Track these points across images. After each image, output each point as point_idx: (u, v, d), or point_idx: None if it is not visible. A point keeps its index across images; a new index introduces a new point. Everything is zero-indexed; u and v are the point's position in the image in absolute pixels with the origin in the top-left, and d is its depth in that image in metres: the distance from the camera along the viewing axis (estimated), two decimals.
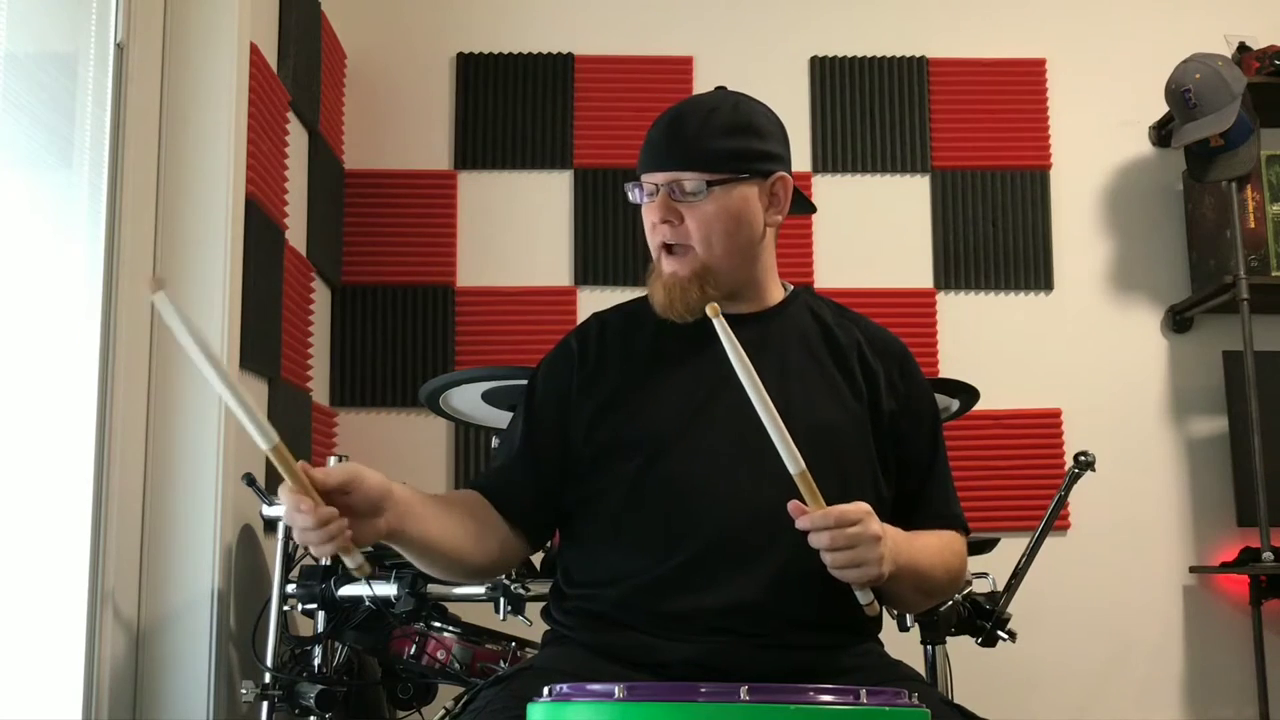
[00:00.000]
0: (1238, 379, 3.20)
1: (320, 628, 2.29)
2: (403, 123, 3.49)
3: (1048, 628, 3.01)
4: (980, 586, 2.28)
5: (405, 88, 3.50)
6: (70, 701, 2.06)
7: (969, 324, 3.46)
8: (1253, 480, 3.08)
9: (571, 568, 1.66)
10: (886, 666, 1.60)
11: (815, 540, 1.39)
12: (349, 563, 1.38)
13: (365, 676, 2.36)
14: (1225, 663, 3.31)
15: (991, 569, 2.31)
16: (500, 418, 2.33)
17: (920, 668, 2.12)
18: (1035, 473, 3.35)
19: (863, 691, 1.07)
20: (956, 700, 1.57)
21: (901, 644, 1.86)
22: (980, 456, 3.33)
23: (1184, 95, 3.20)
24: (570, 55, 3.52)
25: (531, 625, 2.01)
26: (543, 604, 1.72)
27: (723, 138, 1.62)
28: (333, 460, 2.21)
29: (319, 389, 3.20)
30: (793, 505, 1.39)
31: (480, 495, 1.66)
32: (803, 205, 1.81)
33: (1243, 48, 3.42)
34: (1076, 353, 3.46)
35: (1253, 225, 3.30)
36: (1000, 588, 2.29)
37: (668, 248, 1.64)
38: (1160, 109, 3.40)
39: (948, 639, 2.27)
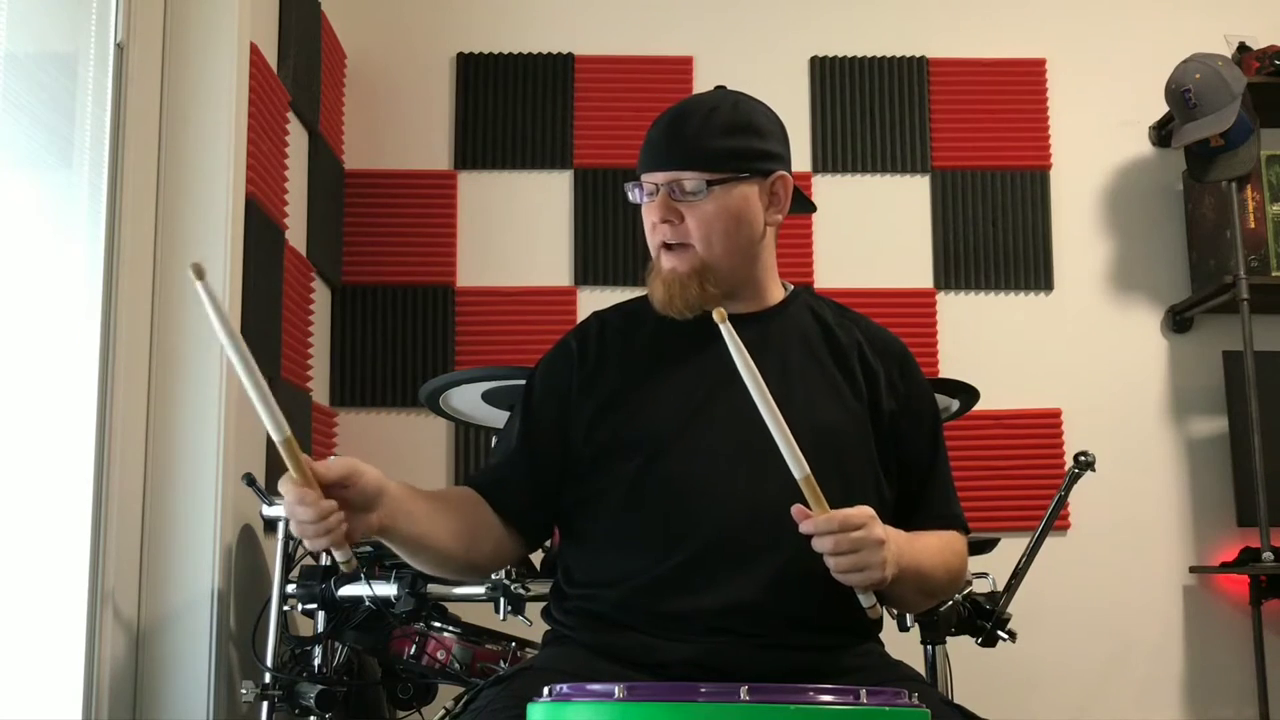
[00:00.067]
0: (1238, 379, 3.20)
1: (320, 628, 2.29)
2: (403, 123, 3.49)
3: (1048, 628, 3.01)
4: (980, 586, 2.28)
5: (405, 88, 3.50)
6: (70, 701, 2.07)
7: (969, 324, 3.46)
8: (1253, 480, 3.08)
9: (572, 567, 1.65)
10: (886, 666, 1.60)
11: (819, 544, 1.39)
12: (339, 557, 1.39)
13: (365, 676, 2.36)
14: (1225, 663, 3.31)
15: (991, 569, 2.31)
16: (500, 418, 2.33)
17: (920, 668, 2.12)
18: (1035, 473, 3.35)
19: (863, 691, 1.07)
20: (956, 700, 1.57)
21: (901, 644, 1.86)
22: (980, 456, 3.33)
23: (1184, 95, 3.20)
24: (570, 55, 3.52)
25: (531, 625, 2.01)
26: (543, 604, 1.72)
27: (723, 137, 1.62)
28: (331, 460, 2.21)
29: (319, 389, 3.20)
30: (796, 509, 1.39)
31: (476, 493, 1.66)
32: (803, 204, 1.81)
33: (1243, 48, 3.41)
34: (1076, 353, 3.46)
35: (1253, 225, 3.30)
36: (1000, 588, 2.29)
37: (667, 245, 1.64)
38: (1160, 109, 3.40)
39: (948, 639, 2.27)
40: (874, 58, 3.56)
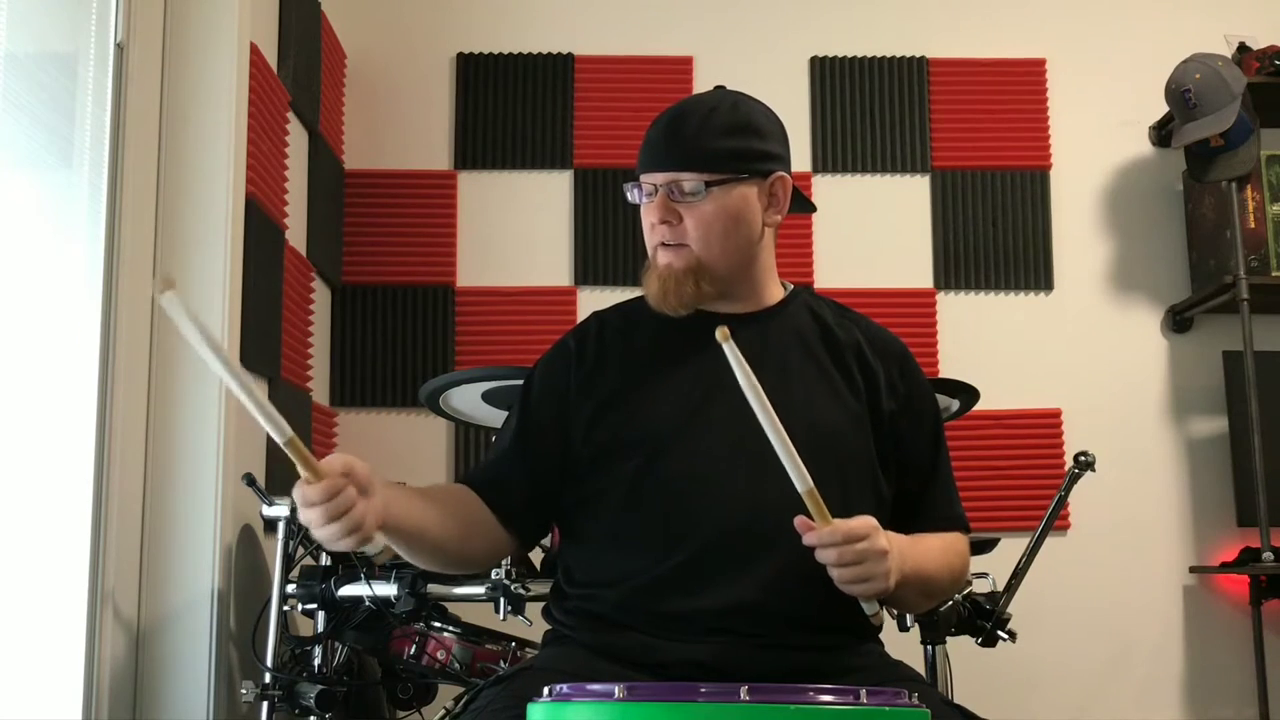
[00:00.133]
0: (1238, 379, 3.20)
1: (320, 628, 2.29)
2: (403, 123, 3.49)
3: (1048, 628, 3.01)
4: (980, 586, 2.28)
5: (405, 88, 3.50)
6: (70, 701, 2.06)
7: (969, 324, 3.46)
8: (1253, 480, 3.08)
9: (572, 567, 1.65)
10: (886, 666, 1.60)
11: (822, 556, 1.40)
12: (372, 549, 1.39)
13: (365, 676, 2.36)
14: (1225, 663, 3.31)
15: (991, 569, 2.31)
16: (500, 418, 2.33)
17: (920, 668, 2.12)
18: (1035, 473, 3.35)
19: (863, 691, 1.07)
20: (956, 700, 1.57)
21: (901, 644, 1.86)
22: (980, 456, 3.33)
23: (1184, 95, 3.20)
24: (570, 55, 3.52)
25: (531, 625, 2.01)
26: (543, 604, 1.72)
27: (722, 138, 1.61)
28: None
29: (319, 389, 3.20)
30: (799, 521, 1.40)
31: (470, 490, 1.66)
32: (802, 204, 1.81)
33: (1243, 48, 3.41)
34: (1076, 353, 3.46)
35: (1253, 225, 3.30)
36: (1000, 588, 2.29)
37: (665, 244, 1.64)
38: (1160, 109, 3.40)
39: (948, 639, 2.27)
40: (874, 58, 3.56)
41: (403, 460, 3.26)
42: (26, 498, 1.98)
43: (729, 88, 1.72)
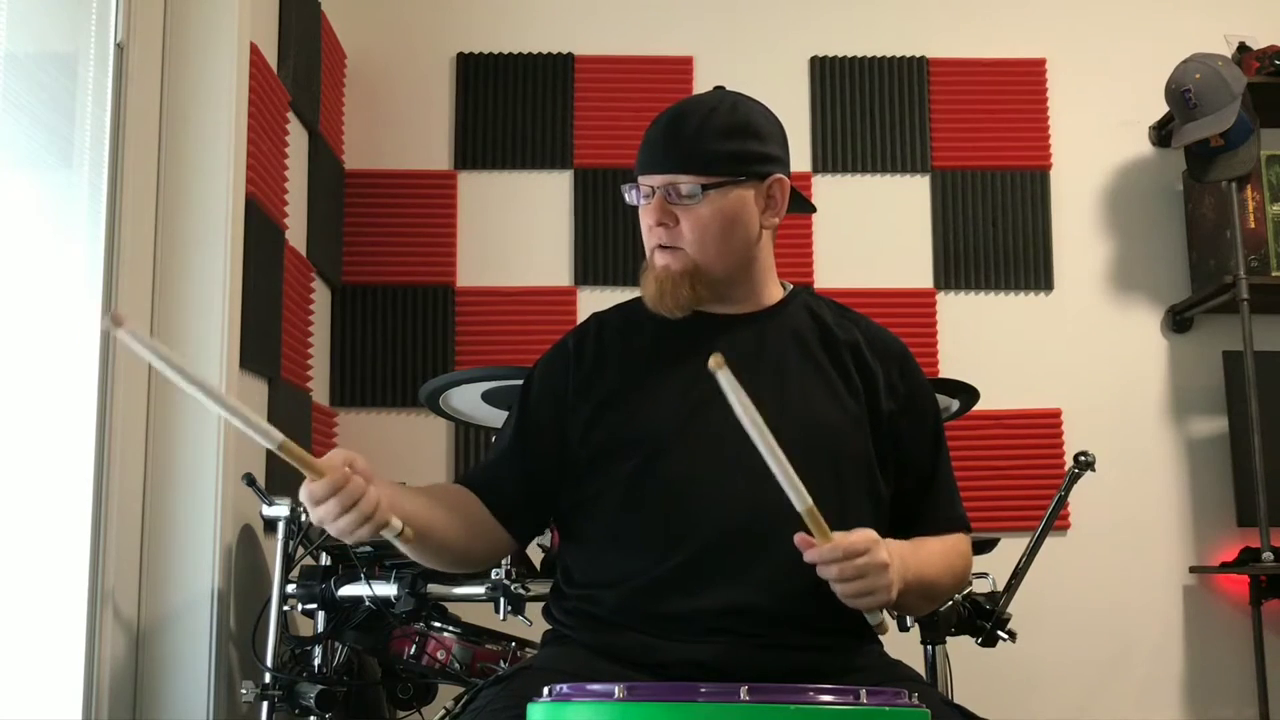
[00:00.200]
0: (1238, 379, 3.20)
1: (320, 628, 2.29)
2: (403, 123, 3.49)
3: (1048, 628, 3.01)
4: (980, 586, 2.28)
5: (405, 88, 3.50)
6: (70, 701, 2.06)
7: (969, 324, 3.46)
8: (1253, 480, 3.08)
9: (572, 568, 1.65)
10: (886, 666, 1.60)
11: (824, 572, 1.40)
12: (390, 532, 1.40)
13: (365, 676, 2.36)
14: (1225, 663, 3.31)
15: (991, 569, 2.31)
16: (500, 418, 2.33)
17: (920, 668, 2.12)
18: (1035, 473, 3.35)
19: (863, 691, 1.07)
20: (956, 700, 1.57)
21: (901, 644, 1.86)
22: (980, 456, 3.33)
23: (1184, 95, 3.20)
24: (570, 55, 3.52)
25: (531, 625, 2.01)
26: (543, 604, 1.72)
27: (720, 140, 1.61)
28: None
29: (319, 389, 3.20)
30: (800, 538, 1.40)
31: (468, 490, 1.66)
32: (802, 205, 1.81)
33: (1243, 48, 3.41)
34: (1076, 353, 3.46)
35: (1253, 225, 3.30)
36: (1000, 588, 2.29)
37: (662, 245, 1.64)
38: (1160, 109, 3.40)
39: (948, 639, 2.27)
40: (874, 58, 3.56)
41: (403, 460, 3.26)
42: (26, 498, 1.97)
43: (728, 88, 1.72)
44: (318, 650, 2.27)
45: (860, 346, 1.69)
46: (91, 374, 2.16)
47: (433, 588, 2.17)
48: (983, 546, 2.33)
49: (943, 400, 2.26)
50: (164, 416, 2.33)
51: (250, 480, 2.33)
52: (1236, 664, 3.26)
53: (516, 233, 3.45)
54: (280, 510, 2.28)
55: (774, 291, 1.73)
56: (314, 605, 2.27)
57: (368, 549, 2.22)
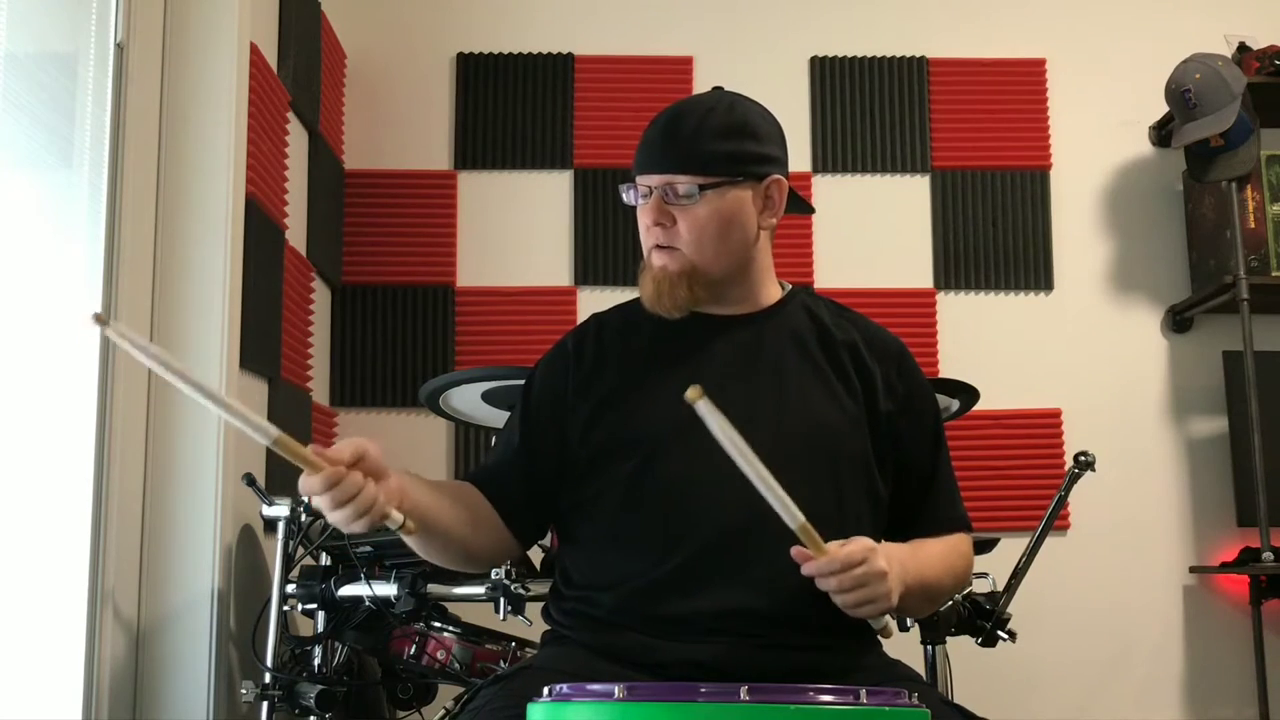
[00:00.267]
0: (1238, 379, 3.20)
1: (320, 628, 2.29)
2: (403, 123, 3.49)
3: (1048, 628, 3.01)
4: (980, 586, 2.28)
5: (405, 88, 3.50)
6: (70, 701, 2.06)
7: (969, 324, 3.46)
8: (1253, 480, 3.08)
9: (570, 569, 1.65)
10: (886, 666, 1.60)
11: (823, 585, 1.40)
12: (392, 524, 1.40)
13: (365, 676, 2.36)
14: (1225, 663, 3.31)
15: (991, 569, 2.31)
16: (500, 418, 2.33)
17: (920, 668, 2.12)
18: (1035, 473, 3.35)
19: (863, 691, 1.07)
20: (956, 700, 1.57)
21: (901, 644, 1.86)
22: (980, 456, 3.33)
23: (1184, 95, 3.20)
24: (570, 55, 3.52)
25: (531, 625, 2.01)
26: (542, 604, 1.72)
27: (718, 140, 1.61)
28: None
29: (319, 389, 3.20)
30: (796, 552, 1.40)
31: (473, 486, 1.66)
32: (800, 206, 1.80)
33: (1243, 48, 3.41)
34: (1076, 353, 3.46)
35: (1253, 225, 3.30)
36: (1000, 588, 2.29)
37: (659, 246, 1.64)
38: (1160, 109, 3.40)
39: (948, 639, 2.27)
40: (874, 58, 3.56)
41: (403, 460, 3.21)
42: (27, 498, 1.97)
43: (728, 88, 1.72)
44: (318, 650, 2.27)
45: (858, 346, 1.68)
46: (91, 374, 2.16)
47: (433, 588, 2.17)
48: (983, 546, 2.33)
49: (943, 400, 2.26)
50: (164, 416, 2.33)
51: (250, 480, 2.33)
52: (1236, 664, 3.26)
53: (516, 233, 3.45)
54: (280, 510, 2.28)
55: (772, 292, 1.72)
56: (314, 605, 2.27)
57: (368, 549, 2.22)
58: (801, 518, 1.36)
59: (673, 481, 1.57)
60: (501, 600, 2.13)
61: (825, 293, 1.84)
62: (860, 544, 1.41)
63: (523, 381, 1.76)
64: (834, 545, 1.40)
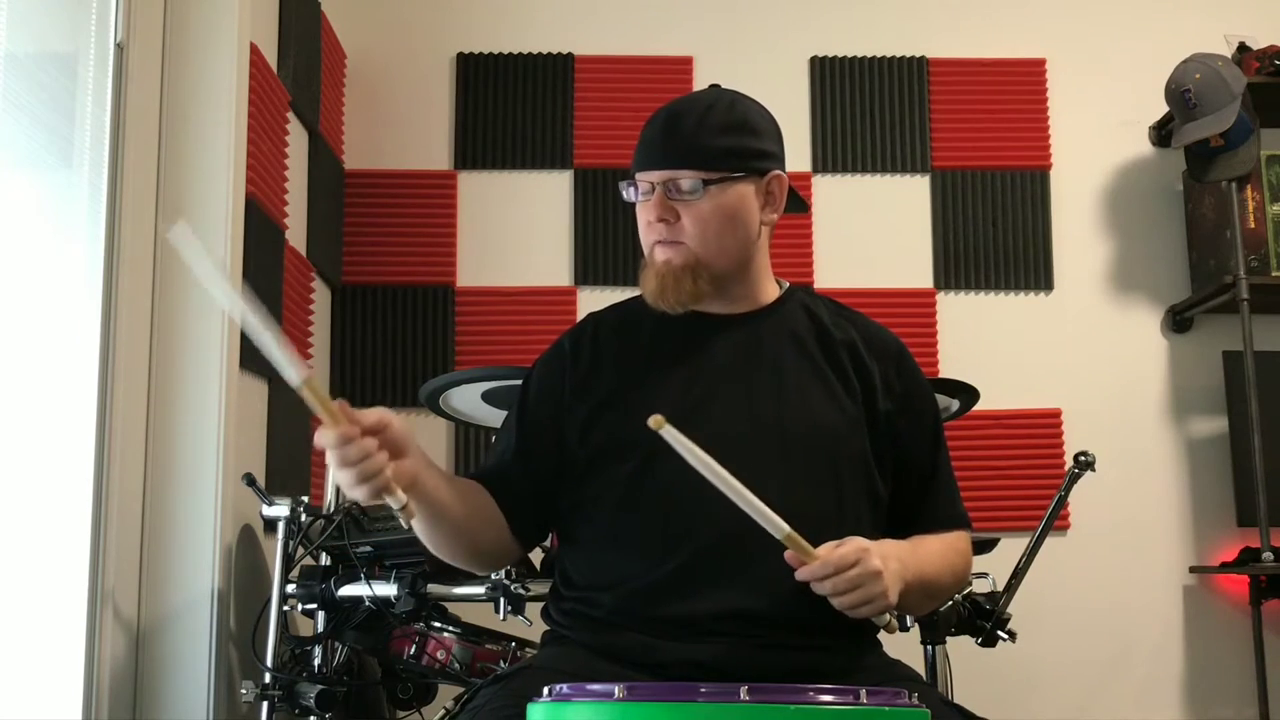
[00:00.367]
0: (1238, 379, 3.20)
1: (320, 628, 2.29)
2: (403, 123, 3.49)
3: (1048, 628, 3.01)
4: (980, 586, 2.28)
5: (405, 88, 3.50)
6: (70, 701, 2.06)
7: (969, 324, 3.46)
8: (1253, 480, 3.08)
9: (570, 570, 1.65)
10: (886, 666, 1.60)
11: (818, 589, 1.41)
12: (393, 503, 1.39)
13: (365, 676, 2.36)
14: (1225, 663, 3.31)
15: (991, 569, 2.31)
16: (500, 418, 2.33)
17: (920, 668, 2.12)
18: (1035, 473, 3.35)
19: (863, 691, 1.07)
20: (956, 700, 1.57)
21: (901, 644, 1.86)
22: (980, 456, 3.33)
23: (1184, 95, 3.20)
24: (570, 55, 3.52)
25: (531, 625, 2.01)
26: (542, 604, 1.72)
27: (719, 136, 1.61)
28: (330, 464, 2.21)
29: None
30: (790, 556, 1.40)
31: (478, 483, 1.66)
32: (796, 204, 1.80)
33: (1243, 48, 3.42)
34: (1076, 353, 3.46)
35: (1253, 225, 3.30)
36: (1000, 588, 2.29)
37: (661, 241, 1.64)
38: (1160, 109, 3.40)
39: (948, 639, 2.27)
40: (874, 58, 3.56)
41: None
42: (26, 497, 1.98)
43: (724, 87, 1.71)
44: (318, 650, 2.27)
45: (857, 345, 1.68)
46: (91, 374, 2.16)
47: (433, 588, 2.17)
48: (983, 546, 2.33)
49: (943, 400, 2.26)
50: (164, 416, 2.33)
51: (250, 480, 2.33)
52: (1236, 664, 3.26)
53: (516, 233, 3.45)
54: (280, 510, 2.29)
55: (770, 290, 1.72)
56: (314, 605, 2.27)
57: (368, 549, 2.22)
58: (786, 528, 1.36)
59: (672, 482, 1.56)
60: (501, 600, 2.13)
61: (825, 292, 1.84)
62: (853, 545, 1.41)
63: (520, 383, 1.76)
64: (826, 548, 1.41)
